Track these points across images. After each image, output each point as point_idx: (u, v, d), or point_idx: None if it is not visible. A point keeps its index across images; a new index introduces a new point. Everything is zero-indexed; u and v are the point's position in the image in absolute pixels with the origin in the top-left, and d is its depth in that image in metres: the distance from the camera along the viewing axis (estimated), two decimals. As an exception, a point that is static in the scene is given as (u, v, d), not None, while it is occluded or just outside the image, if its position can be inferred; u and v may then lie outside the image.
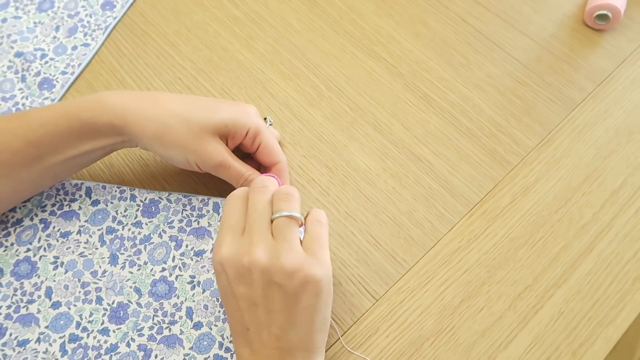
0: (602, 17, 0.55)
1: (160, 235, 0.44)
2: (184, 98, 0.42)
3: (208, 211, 0.44)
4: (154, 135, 0.39)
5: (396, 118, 0.51)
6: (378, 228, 0.45)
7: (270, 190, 0.37)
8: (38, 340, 0.40)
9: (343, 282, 0.43)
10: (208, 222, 0.44)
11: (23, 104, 0.51)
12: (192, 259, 0.43)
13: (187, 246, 0.43)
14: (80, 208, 0.45)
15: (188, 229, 0.44)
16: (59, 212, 0.44)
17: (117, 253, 0.43)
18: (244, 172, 0.42)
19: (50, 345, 0.39)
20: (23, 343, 0.40)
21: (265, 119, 0.49)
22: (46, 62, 0.53)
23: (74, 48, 0.54)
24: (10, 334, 0.40)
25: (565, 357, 0.40)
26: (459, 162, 0.48)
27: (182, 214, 0.44)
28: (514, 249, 0.44)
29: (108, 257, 0.43)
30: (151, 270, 0.42)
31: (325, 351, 0.40)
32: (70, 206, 0.45)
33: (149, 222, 0.44)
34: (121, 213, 0.44)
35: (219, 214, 0.44)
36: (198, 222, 0.44)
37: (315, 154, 0.49)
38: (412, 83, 0.53)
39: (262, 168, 0.45)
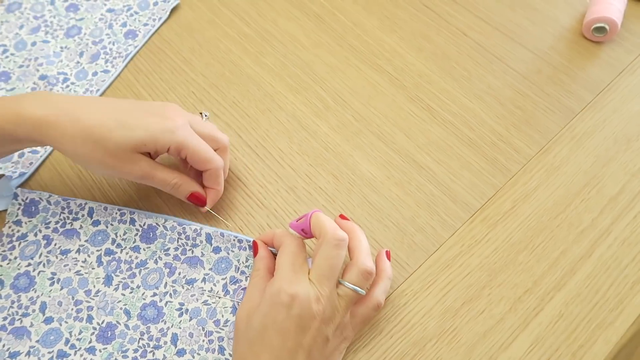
0: (600, 30, 0.56)
1: (156, 262, 0.45)
2: (103, 113, 0.41)
3: (201, 241, 0.45)
4: (72, 153, 0.40)
5: (399, 128, 0.53)
6: (382, 233, 0.47)
7: (345, 245, 0.39)
8: (28, 354, 0.41)
9: (348, 285, 0.44)
10: (201, 252, 0.45)
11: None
12: (183, 287, 0.44)
13: (179, 274, 0.44)
14: (81, 227, 0.46)
15: (182, 257, 0.45)
16: (61, 230, 0.46)
17: (113, 274, 0.44)
18: (170, 180, 0.43)
19: (39, 359, 0.41)
20: (14, 355, 0.41)
21: (200, 113, 0.50)
22: (67, 86, 0.56)
23: (95, 74, 0.57)
24: (3, 345, 0.41)
25: (565, 358, 0.41)
26: (461, 170, 0.50)
27: (177, 242, 0.45)
28: (514, 253, 0.46)
29: (103, 278, 0.44)
30: (142, 294, 0.43)
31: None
32: (72, 225, 0.46)
33: (147, 247, 0.45)
34: (120, 236, 0.46)
35: (211, 245, 0.45)
36: (192, 252, 0.45)
37: (322, 162, 0.51)
38: (414, 95, 0.55)
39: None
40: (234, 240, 0.45)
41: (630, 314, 0.43)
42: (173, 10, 0.63)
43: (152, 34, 0.61)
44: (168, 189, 0.44)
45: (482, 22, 0.60)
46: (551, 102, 0.54)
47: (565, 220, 0.47)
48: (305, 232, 0.41)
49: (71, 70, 0.57)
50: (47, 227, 0.46)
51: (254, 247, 0.43)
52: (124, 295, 0.43)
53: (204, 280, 0.44)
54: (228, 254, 0.44)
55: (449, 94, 0.55)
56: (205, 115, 0.50)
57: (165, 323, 0.42)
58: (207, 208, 0.46)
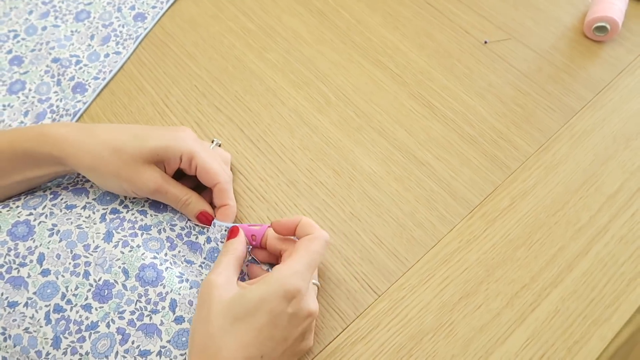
0: (601, 29, 0.57)
1: (159, 232, 0.45)
2: (119, 129, 0.43)
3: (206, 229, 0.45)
4: (89, 166, 0.42)
5: (400, 124, 0.53)
6: (381, 228, 0.47)
7: None
8: (26, 305, 0.40)
9: (347, 278, 0.45)
10: (204, 240, 0.45)
11: (57, 106, 0.55)
12: (183, 263, 0.44)
13: (179, 252, 0.44)
14: (92, 187, 0.46)
15: (186, 239, 0.45)
16: (71, 188, 0.46)
17: (114, 231, 0.43)
18: (181, 197, 0.44)
19: (37, 312, 0.40)
20: (13, 305, 0.40)
21: (212, 141, 0.51)
22: (80, 68, 0.57)
23: (106, 55, 0.59)
24: (2, 294, 0.40)
25: (561, 353, 0.41)
26: (460, 167, 0.50)
27: (186, 222, 0.46)
28: (512, 249, 0.46)
29: (103, 234, 0.43)
30: (142, 254, 0.42)
31: (328, 344, 0.42)
32: (83, 185, 0.47)
33: (155, 215, 0.45)
34: (129, 199, 0.46)
35: (204, 235, 0.45)
36: (196, 237, 0.45)
37: (323, 157, 0.51)
38: (416, 92, 0.55)
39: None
40: (224, 230, 0.44)
41: (626, 310, 0.43)
42: (177, 4, 0.63)
43: (160, 16, 0.62)
44: (179, 206, 0.45)
45: (484, 20, 0.61)
46: (551, 100, 0.54)
47: (563, 218, 0.47)
48: (254, 240, 0.42)
49: (83, 52, 0.59)
50: (57, 186, 0.47)
51: (233, 232, 0.42)
52: (123, 253, 0.42)
53: (201, 265, 0.44)
54: (217, 244, 0.45)
55: (450, 91, 0.55)
56: (218, 143, 0.51)
57: (164, 287, 0.41)
58: (227, 225, 0.45)
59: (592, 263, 0.45)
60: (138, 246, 0.43)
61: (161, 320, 0.40)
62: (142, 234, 0.44)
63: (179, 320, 0.40)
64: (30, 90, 0.56)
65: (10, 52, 0.59)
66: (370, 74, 0.57)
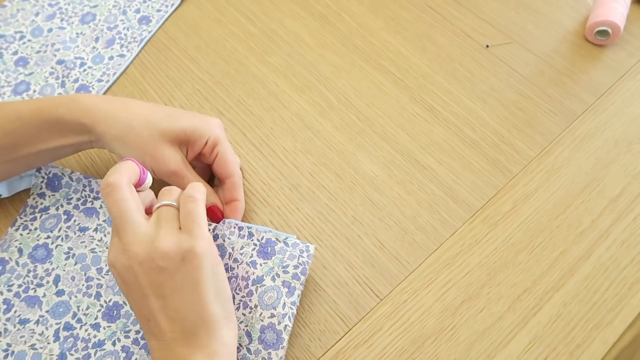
0: (603, 33, 0.57)
1: None
2: (153, 106, 0.45)
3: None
4: (117, 135, 0.42)
5: (402, 128, 0.53)
6: (383, 232, 0.47)
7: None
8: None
9: (350, 282, 0.45)
10: None
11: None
12: (75, 233, 0.46)
13: (74, 221, 0.47)
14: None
15: None
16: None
17: None
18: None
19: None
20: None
21: None
22: (84, 70, 0.58)
23: (111, 58, 0.59)
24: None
25: (563, 357, 0.41)
26: (462, 171, 0.50)
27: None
28: (514, 253, 0.46)
29: None
30: None
31: (331, 347, 0.42)
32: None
33: None
34: None
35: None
36: None
37: (325, 161, 0.51)
38: (418, 95, 0.55)
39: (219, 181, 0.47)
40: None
41: (628, 314, 0.43)
42: (180, 8, 0.63)
43: (165, 19, 0.62)
44: None
45: (486, 24, 0.61)
46: (553, 104, 0.54)
47: (565, 221, 0.48)
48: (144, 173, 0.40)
49: (87, 55, 0.59)
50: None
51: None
52: None
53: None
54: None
55: (452, 95, 0.55)
56: None
57: None
58: (237, 222, 0.45)
59: (594, 267, 0.45)
60: (35, 229, 0.46)
61: (44, 293, 0.43)
62: None
63: (59, 293, 0.43)
64: (34, 91, 0.56)
65: (16, 53, 0.59)
66: (372, 77, 0.57)
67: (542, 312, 0.43)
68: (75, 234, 0.47)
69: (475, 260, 0.46)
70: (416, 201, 0.49)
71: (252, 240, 0.44)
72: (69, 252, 0.46)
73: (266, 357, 0.40)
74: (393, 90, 0.56)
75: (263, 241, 0.43)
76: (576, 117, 0.53)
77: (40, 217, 0.47)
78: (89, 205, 0.48)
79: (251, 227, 0.44)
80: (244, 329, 0.41)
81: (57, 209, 0.48)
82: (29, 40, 0.60)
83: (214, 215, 0.45)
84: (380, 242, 0.47)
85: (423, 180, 0.50)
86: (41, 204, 0.48)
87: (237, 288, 0.42)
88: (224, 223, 0.44)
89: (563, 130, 0.53)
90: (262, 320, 0.40)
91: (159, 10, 0.63)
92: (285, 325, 0.40)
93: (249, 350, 0.40)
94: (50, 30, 0.61)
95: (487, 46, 0.58)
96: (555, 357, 0.41)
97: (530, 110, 0.54)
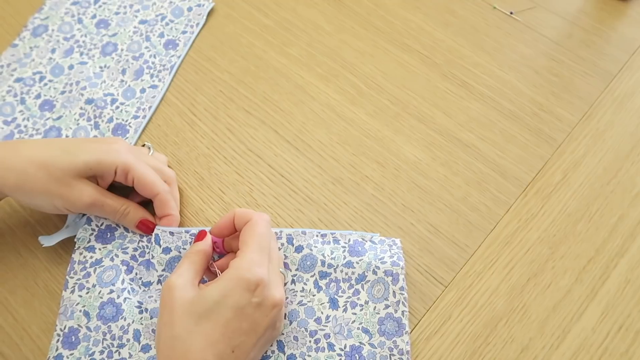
0: (628, -13, 0.55)
1: (111, 259, 0.43)
2: (47, 143, 0.41)
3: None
4: (14, 185, 0.39)
5: (437, 107, 0.52)
6: (436, 216, 0.46)
7: None
8: None
9: (410, 272, 0.44)
10: (160, 251, 0.43)
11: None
12: (140, 287, 0.43)
13: (136, 275, 0.43)
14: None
15: (140, 258, 0.44)
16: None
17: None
18: (119, 208, 0.42)
19: None
20: None
21: (143, 145, 0.49)
22: (117, 107, 0.53)
23: (142, 91, 0.54)
24: None
25: (638, 323, 0.41)
26: (506, 145, 0.49)
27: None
28: (572, 223, 0.45)
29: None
30: (99, 293, 0.42)
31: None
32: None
33: (103, 247, 0.44)
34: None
35: (160, 246, 0.43)
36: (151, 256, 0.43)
37: (364, 150, 0.50)
38: (448, 71, 0.54)
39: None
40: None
41: (696, 272, 0.42)
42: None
43: (192, 41, 0.58)
44: (117, 217, 0.43)
45: (506, -10, 0.59)
46: (587, 66, 0.53)
47: (618, 185, 0.47)
48: (217, 247, 0.41)
49: (117, 90, 0.54)
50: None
51: (200, 236, 0.40)
52: (81, 297, 0.42)
53: (159, 282, 0.43)
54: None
55: (482, 67, 0.54)
56: (149, 147, 0.48)
57: (125, 320, 0.41)
58: (170, 229, 0.43)
59: (654, 228, 0.44)
60: (94, 286, 0.42)
61: (129, 353, 0.40)
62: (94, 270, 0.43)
63: (145, 348, 0.40)
64: (67, 137, 0.51)
65: (39, 96, 0.54)
66: (398, 58, 0.55)
67: (610, 280, 0.42)
68: (140, 288, 0.43)
69: (534, 235, 0.45)
70: (464, 181, 0.47)
71: (340, 244, 0.43)
72: (140, 306, 0.41)
73: (392, 347, 0.40)
74: (421, 69, 0.54)
75: (351, 242, 0.43)
76: (613, 77, 0.52)
77: (95, 271, 0.43)
78: (147, 257, 0.44)
79: (334, 233, 0.43)
80: (359, 327, 0.41)
81: (111, 259, 0.43)
82: (50, 81, 0.55)
83: (146, 227, 0.43)
84: (434, 228, 0.45)
85: (467, 159, 0.49)
86: (91, 257, 0.43)
87: (341, 290, 0.42)
88: (304, 234, 0.43)
89: (602, 92, 0.51)
90: (379, 313, 0.41)
91: (184, 32, 0.58)
92: (403, 311, 0.41)
93: (372, 345, 0.40)
94: (71, 67, 0.55)
95: (511, 13, 0.56)
96: (630, 324, 0.41)
97: (565, 75, 0.53)
